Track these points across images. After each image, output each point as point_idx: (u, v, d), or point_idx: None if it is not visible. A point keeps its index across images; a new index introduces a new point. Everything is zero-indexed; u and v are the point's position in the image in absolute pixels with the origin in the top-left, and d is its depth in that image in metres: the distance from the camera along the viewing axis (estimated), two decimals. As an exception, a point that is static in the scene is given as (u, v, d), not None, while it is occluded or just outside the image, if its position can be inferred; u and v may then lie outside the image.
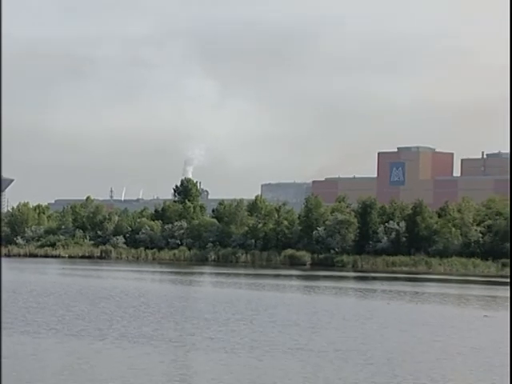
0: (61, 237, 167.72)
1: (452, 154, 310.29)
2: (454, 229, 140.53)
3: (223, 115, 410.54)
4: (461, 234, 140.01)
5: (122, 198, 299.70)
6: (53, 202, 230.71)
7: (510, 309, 48.52)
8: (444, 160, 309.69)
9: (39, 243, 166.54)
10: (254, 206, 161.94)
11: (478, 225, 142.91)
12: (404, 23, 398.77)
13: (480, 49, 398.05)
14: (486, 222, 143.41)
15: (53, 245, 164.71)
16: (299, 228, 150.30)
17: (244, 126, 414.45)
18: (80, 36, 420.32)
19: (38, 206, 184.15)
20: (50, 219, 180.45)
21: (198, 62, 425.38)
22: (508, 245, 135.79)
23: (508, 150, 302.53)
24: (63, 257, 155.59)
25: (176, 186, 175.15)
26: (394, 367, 32.38)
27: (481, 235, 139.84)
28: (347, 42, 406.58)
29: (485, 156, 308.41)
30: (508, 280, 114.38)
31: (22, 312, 49.74)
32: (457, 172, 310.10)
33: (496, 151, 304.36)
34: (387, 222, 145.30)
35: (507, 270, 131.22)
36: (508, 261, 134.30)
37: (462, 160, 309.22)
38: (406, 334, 45.04)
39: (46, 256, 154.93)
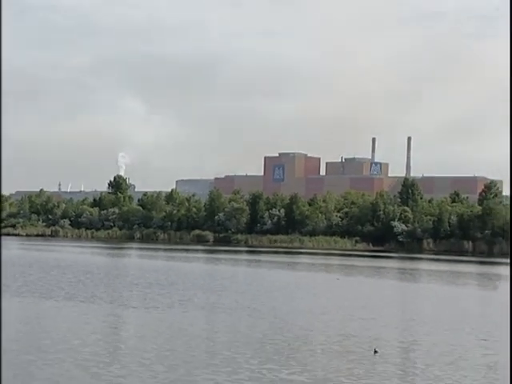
0: (20, 220, 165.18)
1: (319, 159, 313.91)
2: (320, 214, 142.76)
3: (149, 127, 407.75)
4: (325, 219, 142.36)
5: (68, 190, 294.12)
6: (14, 192, 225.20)
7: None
8: (313, 163, 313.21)
9: (2, 224, 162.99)
10: (170, 197, 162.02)
11: (338, 212, 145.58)
12: (286, 58, 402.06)
13: (341, 78, 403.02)
14: (343, 210, 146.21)
15: (13, 226, 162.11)
16: (204, 213, 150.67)
17: (164, 135, 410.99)
18: (34, 63, 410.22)
19: (2, 196, 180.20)
20: (12, 206, 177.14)
21: (129, 86, 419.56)
22: (359, 226, 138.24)
23: (361, 156, 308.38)
24: (21, 235, 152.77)
25: (110, 181, 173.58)
26: (279, 317, 32.81)
27: (340, 219, 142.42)
28: (243, 72, 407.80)
29: (343, 160, 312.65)
30: (360, 253, 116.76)
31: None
32: (323, 172, 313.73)
33: (352, 156, 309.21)
34: (271, 209, 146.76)
35: (359, 246, 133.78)
36: (359, 238, 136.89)
37: (326, 163, 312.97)
38: (285, 292, 45.50)
39: (8, 234, 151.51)
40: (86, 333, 27.29)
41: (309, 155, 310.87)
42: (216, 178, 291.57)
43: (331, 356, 24.11)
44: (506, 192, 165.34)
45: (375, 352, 24.66)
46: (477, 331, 31.29)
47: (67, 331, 27.44)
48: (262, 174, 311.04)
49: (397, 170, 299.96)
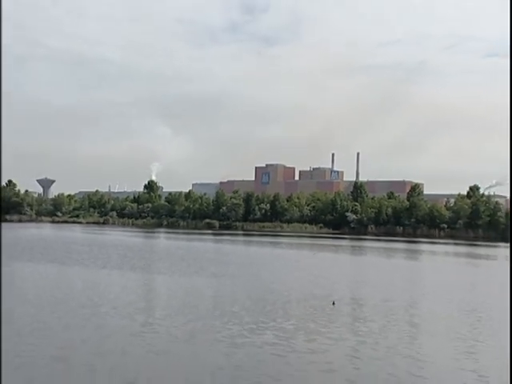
0: (81, 212, 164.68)
1: (294, 168, 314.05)
2: (295, 208, 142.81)
3: (173, 145, 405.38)
4: (299, 211, 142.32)
5: (116, 190, 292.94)
6: (77, 192, 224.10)
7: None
8: (290, 171, 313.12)
9: (70, 215, 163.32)
10: (188, 196, 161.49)
11: (308, 206, 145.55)
12: (272, 94, 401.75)
13: (311, 110, 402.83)
14: (311, 204, 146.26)
15: (77, 216, 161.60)
16: (212, 207, 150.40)
17: (184, 151, 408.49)
18: (92, 100, 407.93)
19: (69, 195, 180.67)
20: (76, 202, 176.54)
21: (159, 117, 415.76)
22: (323, 216, 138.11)
23: (324, 166, 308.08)
24: (83, 223, 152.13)
25: (145, 184, 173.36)
26: (269, 281, 32.68)
27: (309, 211, 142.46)
28: (241, 105, 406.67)
29: (311, 169, 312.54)
30: (323, 235, 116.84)
31: (60, 252, 48.17)
32: (297, 177, 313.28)
33: (318, 166, 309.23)
34: (260, 204, 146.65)
35: (323, 230, 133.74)
36: (323, 225, 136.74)
37: (299, 171, 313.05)
38: (273, 264, 45.32)
39: (74, 222, 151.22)
40: (130, 293, 27.15)
41: (287, 165, 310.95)
42: (221, 182, 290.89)
43: (306, 309, 24.08)
44: (426, 192, 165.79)
45: (333, 304, 24.84)
46: (409, 291, 31.31)
47: (118, 292, 27.32)
48: (254, 179, 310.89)
49: (349, 176, 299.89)
